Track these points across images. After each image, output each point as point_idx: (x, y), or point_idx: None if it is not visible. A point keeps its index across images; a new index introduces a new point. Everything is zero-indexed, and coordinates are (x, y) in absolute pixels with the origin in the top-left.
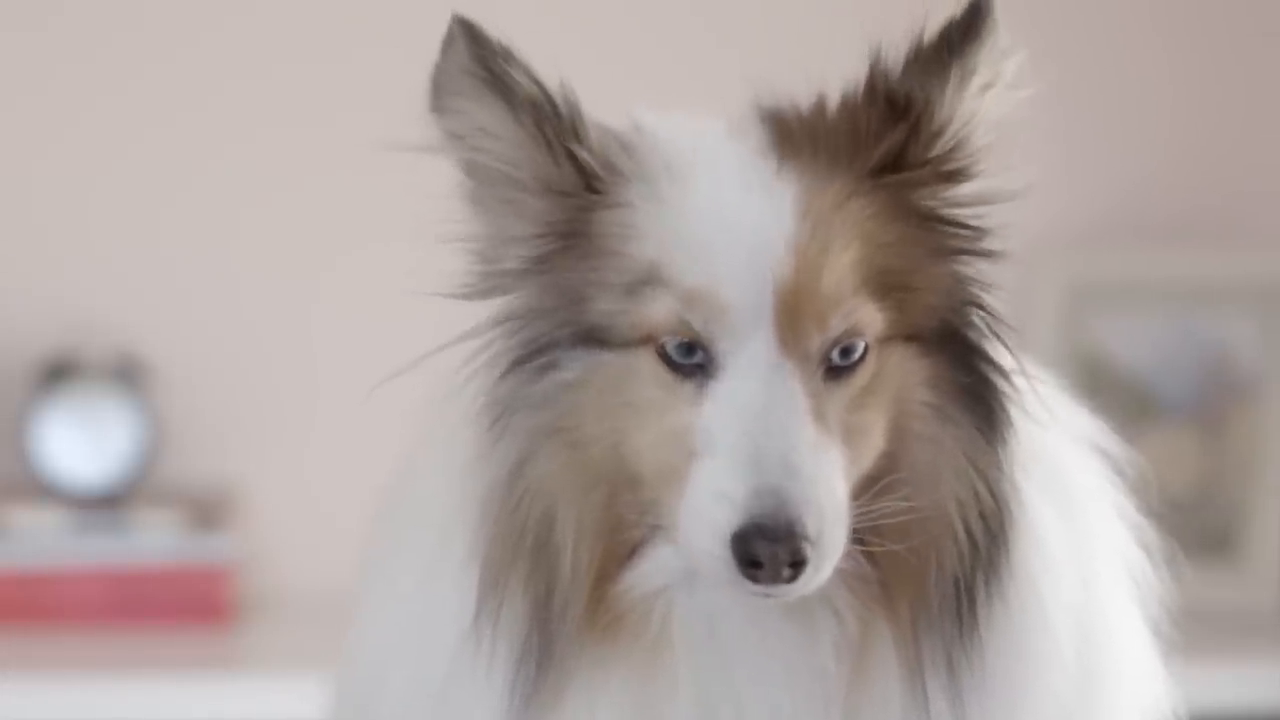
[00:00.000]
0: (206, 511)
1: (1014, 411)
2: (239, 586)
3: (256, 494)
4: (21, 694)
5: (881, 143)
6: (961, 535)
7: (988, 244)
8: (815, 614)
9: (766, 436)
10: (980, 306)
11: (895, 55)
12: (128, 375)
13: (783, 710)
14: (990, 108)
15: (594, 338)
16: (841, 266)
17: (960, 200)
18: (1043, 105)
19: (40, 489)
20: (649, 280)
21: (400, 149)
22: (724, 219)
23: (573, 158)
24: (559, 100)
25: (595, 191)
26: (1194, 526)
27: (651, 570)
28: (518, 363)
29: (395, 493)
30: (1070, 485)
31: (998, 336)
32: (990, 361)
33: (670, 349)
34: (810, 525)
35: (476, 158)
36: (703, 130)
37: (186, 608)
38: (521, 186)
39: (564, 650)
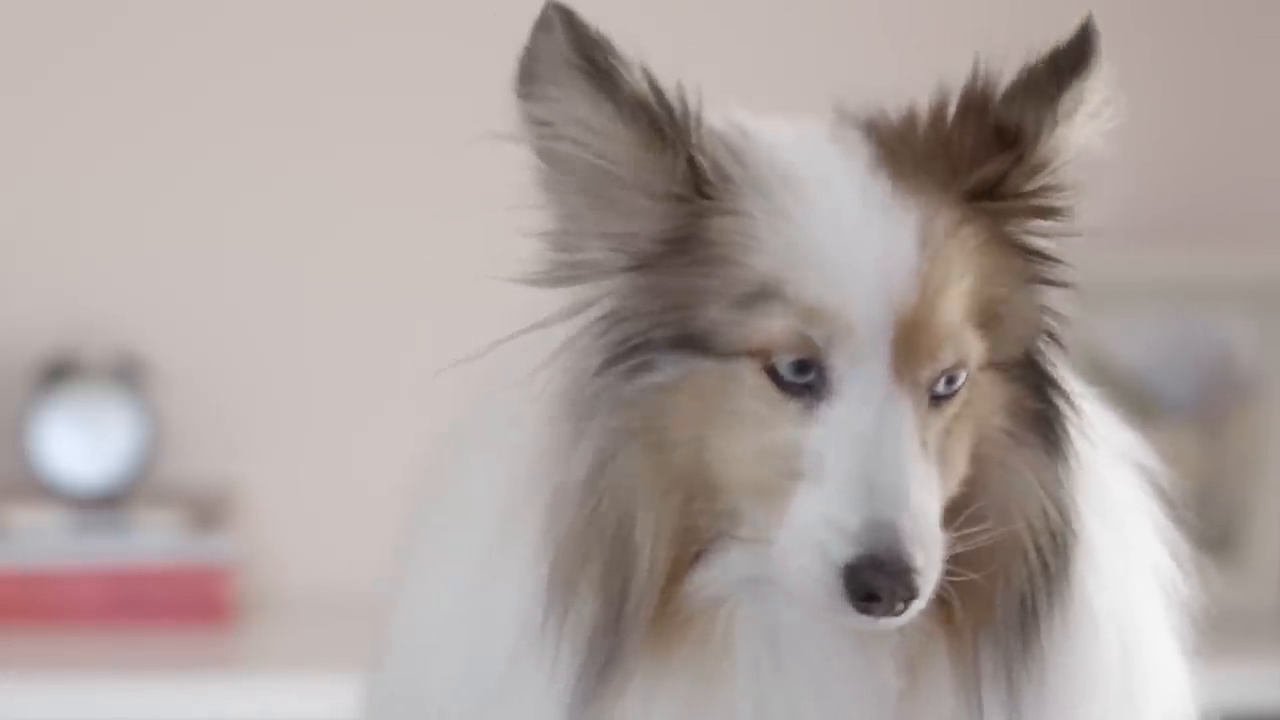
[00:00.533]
0: (206, 511)
1: (1075, 433)
2: (239, 586)
3: (256, 494)
4: (21, 694)
5: (980, 169)
6: (1032, 555)
7: (1065, 273)
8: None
9: (881, 468)
10: (1052, 335)
11: (993, 77)
12: (128, 375)
13: None
14: (1083, 139)
15: (695, 344)
16: (958, 296)
17: (1047, 230)
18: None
19: (40, 489)
20: (766, 294)
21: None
22: (850, 239)
23: (690, 162)
24: (676, 102)
25: (708, 197)
26: (1193, 526)
27: (716, 576)
28: (610, 362)
29: (437, 485)
30: (1112, 500)
31: (1065, 362)
32: (1058, 387)
33: (782, 365)
34: (920, 559)
35: (563, 148)
36: (806, 138)
37: (186, 608)
38: (621, 183)
39: (629, 653)
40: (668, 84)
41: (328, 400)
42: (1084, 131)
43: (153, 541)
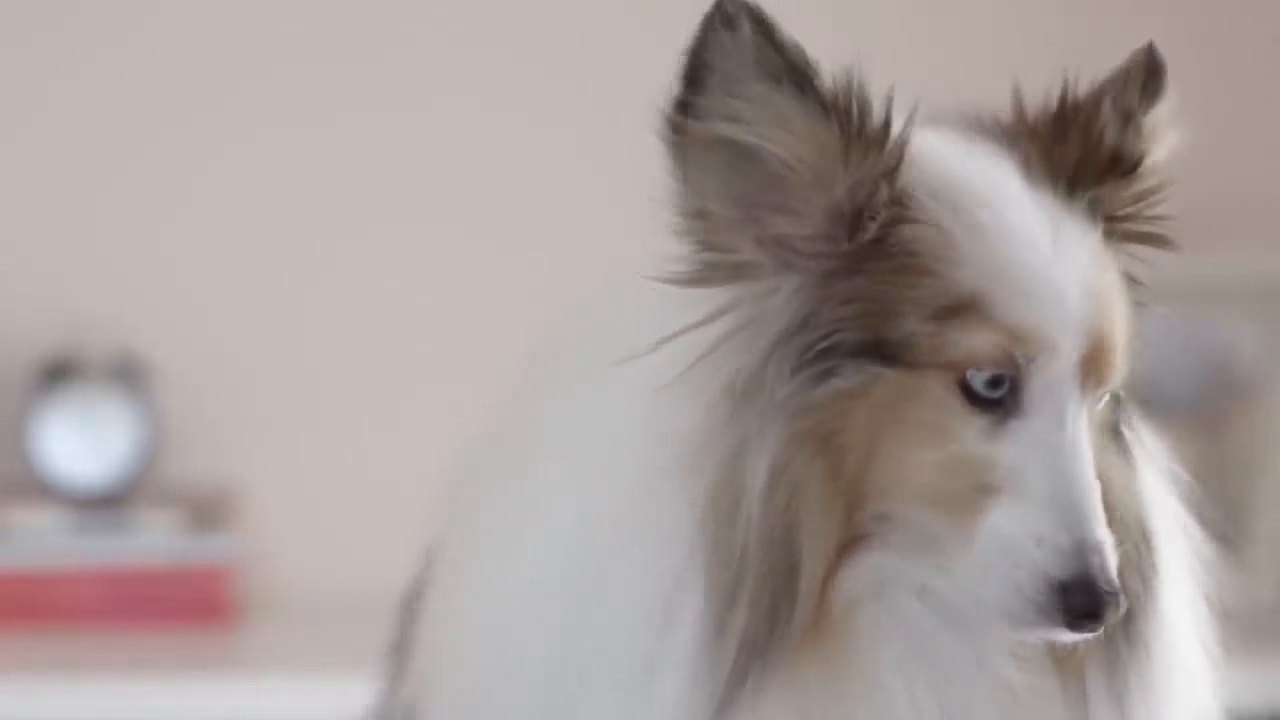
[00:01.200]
0: (206, 511)
1: (1138, 443)
2: (239, 586)
3: (256, 494)
4: (21, 694)
5: (1099, 190)
6: (1134, 561)
7: (1144, 297)
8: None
9: (1081, 487)
10: None
11: (1102, 103)
12: (128, 375)
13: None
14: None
15: (884, 352)
16: (1127, 317)
17: (1142, 255)
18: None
19: (40, 489)
20: (967, 307)
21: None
22: (1048, 256)
23: (887, 169)
24: (878, 107)
25: (903, 205)
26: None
27: (859, 577)
28: (796, 368)
29: (526, 449)
30: (1164, 507)
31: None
32: (1122, 399)
33: (977, 380)
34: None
35: (744, 145)
36: (969, 149)
37: (187, 608)
38: (806, 185)
39: (779, 658)
40: (882, 94)
41: (328, 400)
42: (1162, 156)
43: (153, 541)
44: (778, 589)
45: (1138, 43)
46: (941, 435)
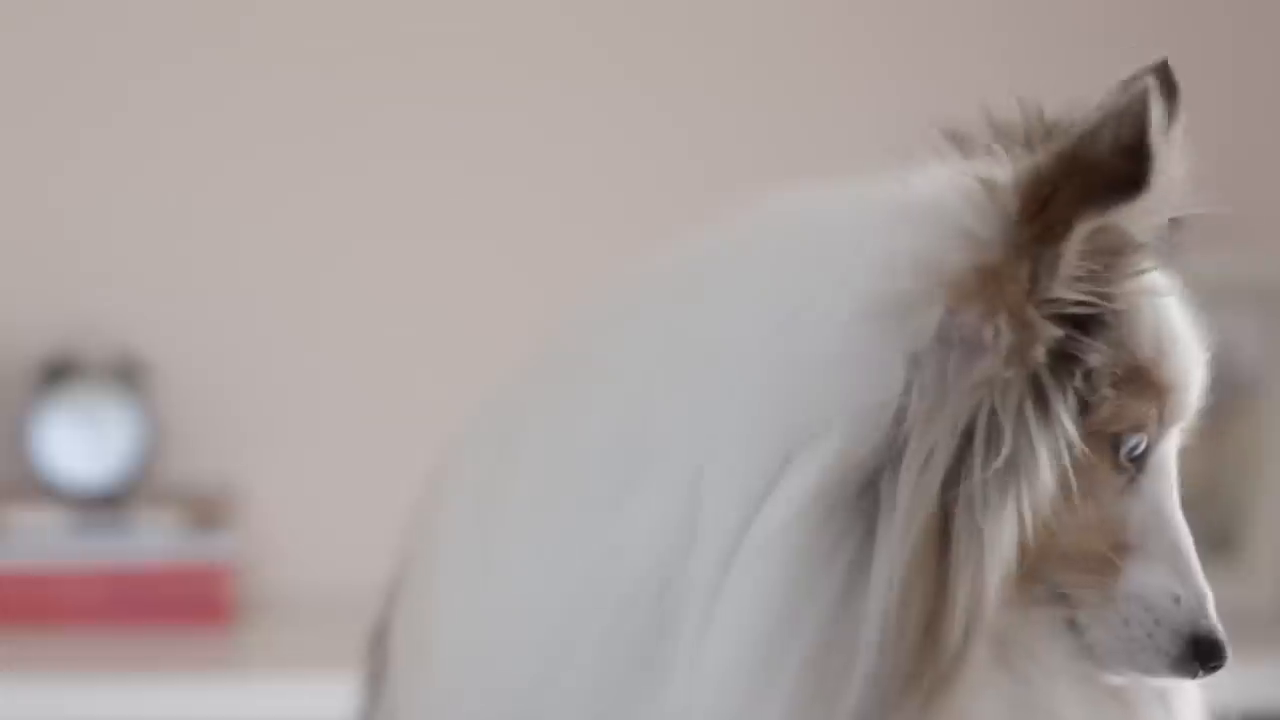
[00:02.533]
0: (206, 511)
1: None
2: (239, 586)
3: (256, 494)
4: (21, 694)
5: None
6: None
7: None
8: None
9: (1188, 541)
10: None
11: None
12: (128, 375)
13: None
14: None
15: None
16: None
17: None
18: (1046, 106)
19: (40, 489)
20: (1138, 376)
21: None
22: (1186, 322)
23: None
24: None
25: (1127, 272)
26: (1194, 526)
27: (993, 634)
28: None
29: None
30: None
31: None
32: None
33: (1129, 442)
34: None
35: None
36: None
37: (186, 608)
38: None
39: (904, 702)
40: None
41: (328, 400)
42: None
43: (153, 541)
44: (922, 640)
45: (1138, 44)
46: (1089, 496)
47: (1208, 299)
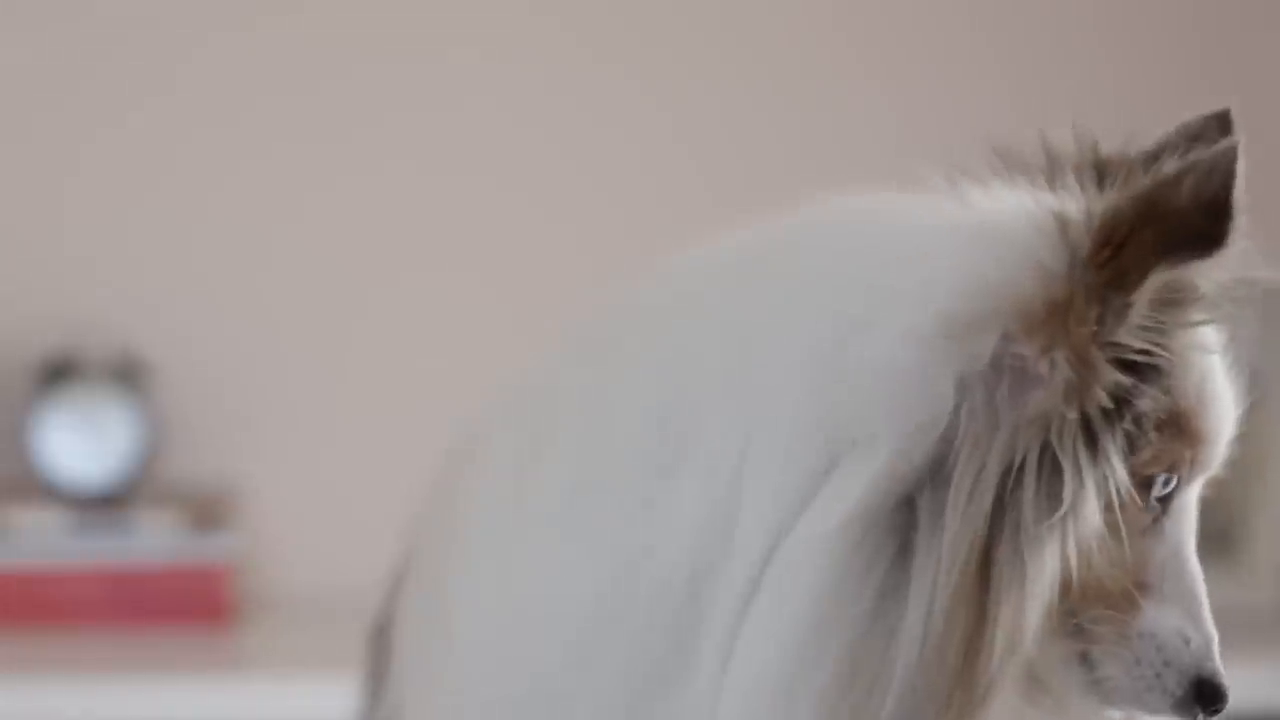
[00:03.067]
0: (206, 511)
1: None
2: (239, 586)
3: (257, 494)
4: (21, 694)
5: None
6: None
7: None
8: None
9: (1202, 586)
10: None
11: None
12: (128, 375)
13: None
14: None
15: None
16: None
17: None
18: (1047, 114)
19: (40, 489)
20: (1175, 422)
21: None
22: (1225, 379)
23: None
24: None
25: (1181, 325)
26: (1196, 527)
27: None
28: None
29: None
30: None
31: None
32: None
33: (1159, 485)
34: None
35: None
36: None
37: (186, 608)
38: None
39: None
40: None
41: (327, 400)
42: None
43: (153, 541)
44: (961, 666)
45: (1144, 60)
46: (1118, 535)
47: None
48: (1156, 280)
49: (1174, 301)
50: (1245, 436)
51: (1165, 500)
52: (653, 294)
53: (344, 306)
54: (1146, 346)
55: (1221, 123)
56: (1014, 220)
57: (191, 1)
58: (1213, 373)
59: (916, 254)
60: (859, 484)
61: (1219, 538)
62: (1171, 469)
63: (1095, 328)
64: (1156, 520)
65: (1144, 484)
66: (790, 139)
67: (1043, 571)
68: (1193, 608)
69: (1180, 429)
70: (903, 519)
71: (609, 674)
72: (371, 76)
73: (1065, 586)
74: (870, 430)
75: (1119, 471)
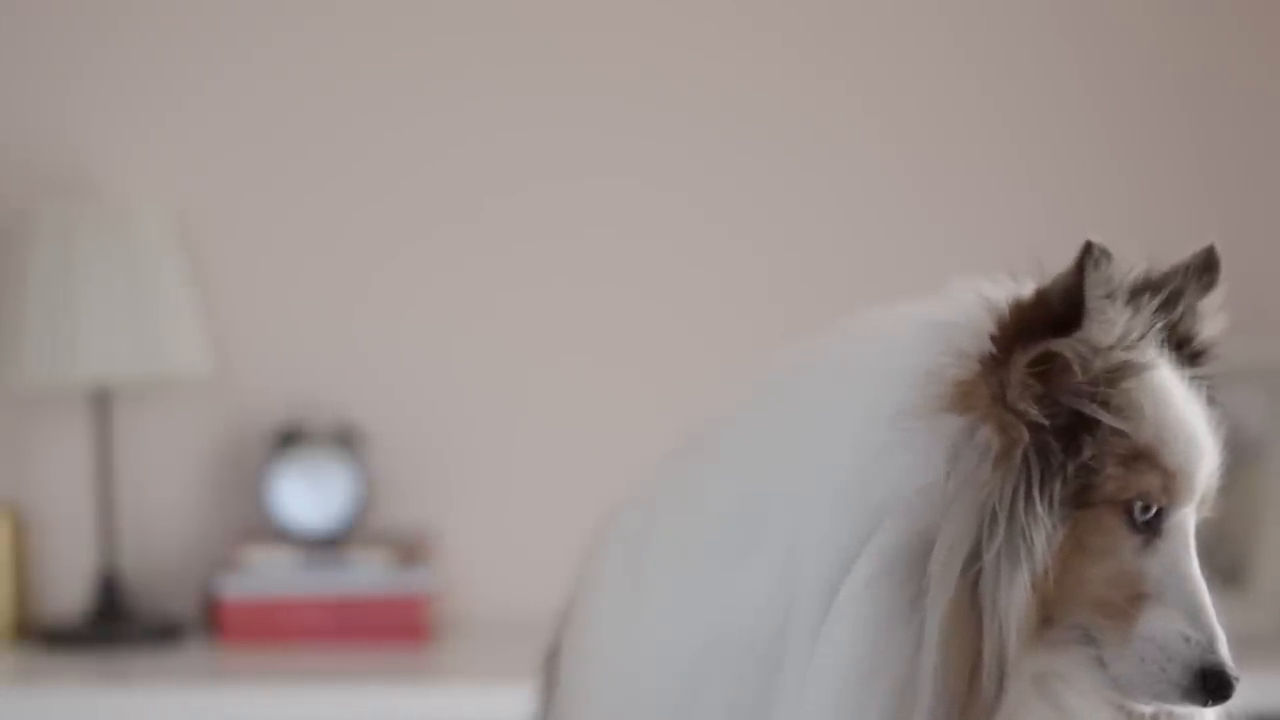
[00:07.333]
0: (409, 551)
1: None
2: (436, 612)
3: (450, 537)
4: (260, 699)
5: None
6: None
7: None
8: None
9: (1204, 593)
10: None
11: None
12: (346, 440)
13: None
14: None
15: (1080, 499)
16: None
17: None
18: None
19: (275, 533)
20: (1143, 456)
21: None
22: (1196, 415)
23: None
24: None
25: (1130, 375)
26: (1209, 562)
27: (1031, 671)
28: (1049, 502)
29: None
30: None
31: None
32: None
33: (1138, 510)
34: None
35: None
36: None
37: (393, 630)
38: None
39: None
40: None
41: (507, 461)
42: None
43: (366, 576)
44: (966, 685)
45: (1153, 134)
46: (1108, 555)
47: (1224, 378)
48: (1024, 356)
49: (1065, 369)
50: (1249, 486)
51: (1154, 523)
52: (729, 409)
53: (520, 387)
54: (1039, 408)
55: (1207, 254)
56: (953, 313)
57: (411, 101)
58: (1172, 415)
59: (886, 353)
60: (889, 542)
61: (1229, 571)
62: (1144, 496)
63: (996, 394)
64: (1150, 541)
65: (1125, 510)
66: (844, 263)
67: (1013, 604)
68: (1194, 611)
69: (1150, 462)
70: (924, 570)
71: (713, 701)
72: (539, 198)
73: (1065, 601)
74: (894, 497)
75: (1058, 512)
